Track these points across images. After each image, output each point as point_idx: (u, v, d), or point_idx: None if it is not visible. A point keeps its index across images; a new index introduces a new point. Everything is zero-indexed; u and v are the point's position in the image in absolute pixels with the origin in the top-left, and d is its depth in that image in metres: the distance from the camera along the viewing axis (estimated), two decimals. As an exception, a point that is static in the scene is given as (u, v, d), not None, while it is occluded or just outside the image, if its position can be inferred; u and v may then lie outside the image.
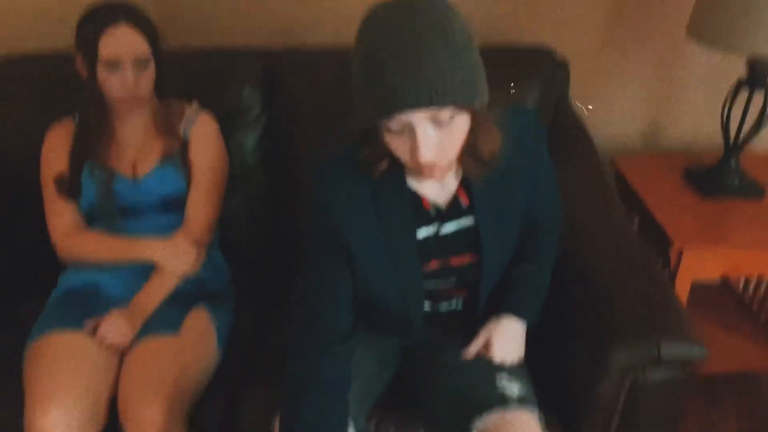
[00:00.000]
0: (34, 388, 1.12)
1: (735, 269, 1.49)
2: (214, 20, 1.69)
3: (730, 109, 1.57)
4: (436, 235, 1.03)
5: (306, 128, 1.53)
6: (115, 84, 1.22)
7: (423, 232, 1.02)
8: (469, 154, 0.91)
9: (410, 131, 0.81)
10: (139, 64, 1.22)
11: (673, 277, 1.49)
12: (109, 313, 1.22)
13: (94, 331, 1.21)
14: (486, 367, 1.07)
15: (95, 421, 1.13)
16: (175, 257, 1.28)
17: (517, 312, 1.10)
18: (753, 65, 1.50)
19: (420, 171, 0.87)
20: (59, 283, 1.35)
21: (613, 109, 1.84)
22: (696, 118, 1.85)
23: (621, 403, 1.08)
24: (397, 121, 0.80)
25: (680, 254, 1.46)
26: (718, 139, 1.61)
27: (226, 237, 1.49)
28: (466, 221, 1.03)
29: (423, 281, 1.05)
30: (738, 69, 1.54)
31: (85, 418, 1.10)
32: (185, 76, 1.49)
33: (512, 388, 1.03)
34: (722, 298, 1.99)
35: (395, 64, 0.76)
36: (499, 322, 1.09)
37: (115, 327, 1.19)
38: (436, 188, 1.02)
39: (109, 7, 1.22)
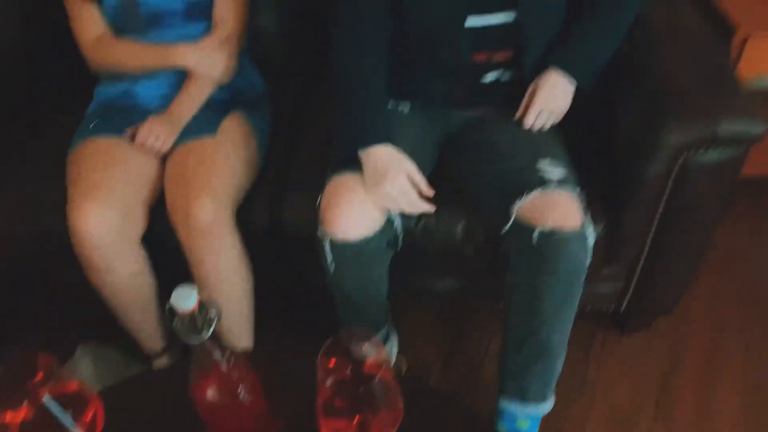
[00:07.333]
0: (73, 189, 1.14)
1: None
2: None
3: None
4: None
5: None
6: None
7: None
8: None
9: None
10: None
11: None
12: (148, 119, 1.21)
13: (133, 137, 1.21)
14: (528, 153, 1.05)
15: (134, 224, 1.16)
16: (208, 63, 1.24)
17: (567, 66, 1.04)
18: None
19: None
20: (95, 95, 1.34)
21: None
22: None
23: (669, 187, 1.05)
24: None
25: (744, 43, 1.34)
26: None
27: (257, 52, 1.42)
28: None
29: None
30: None
31: (123, 219, 1.12)
32: None
33: (553, 171, 1.01)
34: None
35: None
36: (547, 75, 1.05)
37: (156, 131, 1.19)
38: None
39: None
